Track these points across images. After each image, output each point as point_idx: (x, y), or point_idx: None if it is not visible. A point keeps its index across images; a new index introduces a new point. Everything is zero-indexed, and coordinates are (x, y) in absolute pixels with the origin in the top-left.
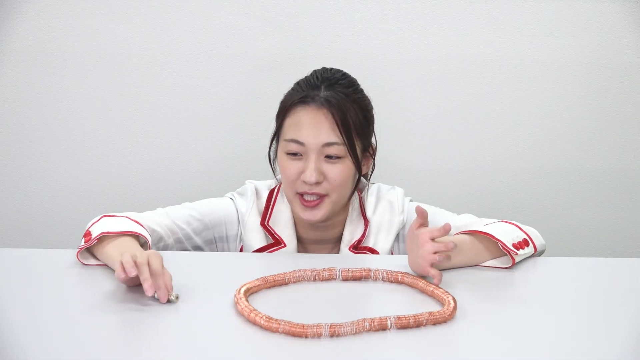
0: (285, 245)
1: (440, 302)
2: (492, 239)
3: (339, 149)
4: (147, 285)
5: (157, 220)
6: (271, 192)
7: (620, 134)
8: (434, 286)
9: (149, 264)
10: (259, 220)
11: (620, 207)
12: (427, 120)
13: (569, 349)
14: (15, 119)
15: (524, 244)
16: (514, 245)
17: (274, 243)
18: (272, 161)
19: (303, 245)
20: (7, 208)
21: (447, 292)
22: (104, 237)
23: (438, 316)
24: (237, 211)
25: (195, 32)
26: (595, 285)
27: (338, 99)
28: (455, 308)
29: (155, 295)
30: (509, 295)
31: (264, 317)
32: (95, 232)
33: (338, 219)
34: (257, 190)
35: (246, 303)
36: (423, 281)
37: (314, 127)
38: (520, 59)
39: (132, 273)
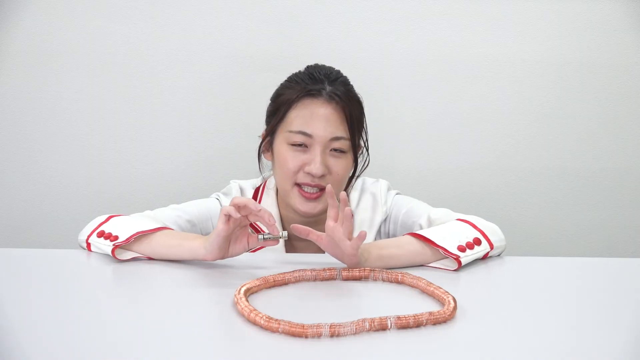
0: None
1: (440, 302)
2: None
3: (344, 144)
4: (267, 215)
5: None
6: (256, 190)
7: (620, 134)
8: (434, 286)
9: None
10: None
11: (620, 207)
12: (427, 120)
13: (569, 348)
14: (15, 119)
15: (474, 243)
16: (459, 247)
17: None
18: (260, 155)
19: (290, 242)
20: (6, 208)
21: (447, 292)
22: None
23: (438, 316)
24: None
25: (195, 32)
26: (595, 285)
27: (344, 93)
28: (455, 308)
29: (264, 237)
30: (508, 295)
31: (264, 317)
32: (117, 230)
33: (324, 215)
34: (241, 189)
35: (246, 303)
36: (423, 281)
37: (324, 120)
38: (520, 59)
39: (258, 206)
